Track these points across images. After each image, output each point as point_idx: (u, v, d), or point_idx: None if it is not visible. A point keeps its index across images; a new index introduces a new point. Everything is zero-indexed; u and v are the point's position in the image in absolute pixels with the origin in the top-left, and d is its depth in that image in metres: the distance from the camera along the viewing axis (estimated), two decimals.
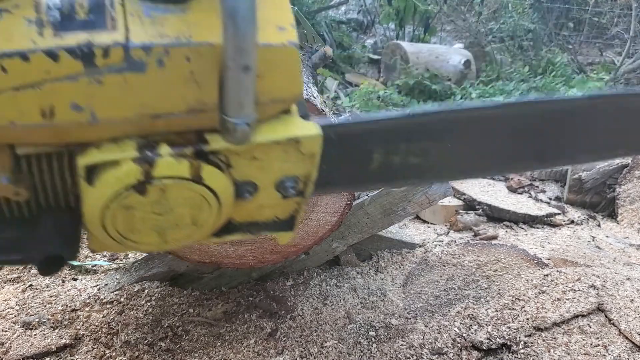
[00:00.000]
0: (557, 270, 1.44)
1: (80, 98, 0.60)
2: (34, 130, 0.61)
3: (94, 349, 1.29)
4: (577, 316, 1.26)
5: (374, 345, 1.28)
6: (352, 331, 1.33)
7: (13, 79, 0.58)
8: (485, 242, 1.85)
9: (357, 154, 0.86)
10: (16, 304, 1.47)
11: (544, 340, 1.21)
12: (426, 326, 1.32)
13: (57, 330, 1.34)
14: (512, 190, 2.61)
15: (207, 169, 0.68)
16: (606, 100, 0.96)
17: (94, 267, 1.70)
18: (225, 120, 0.63)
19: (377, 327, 1.34)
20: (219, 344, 1.31)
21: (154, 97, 0.62)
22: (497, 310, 1.31)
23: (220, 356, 1.26)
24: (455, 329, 1.28)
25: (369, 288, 1.53)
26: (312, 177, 0.77)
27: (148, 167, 0.65)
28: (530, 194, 2.59)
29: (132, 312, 1.40)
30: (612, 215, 2.36)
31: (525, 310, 1.29)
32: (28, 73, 0.58)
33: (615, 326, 1.23)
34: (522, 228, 2.20)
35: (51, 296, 1.50)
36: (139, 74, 0.60)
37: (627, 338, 1.20)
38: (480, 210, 2.26)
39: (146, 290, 1.47)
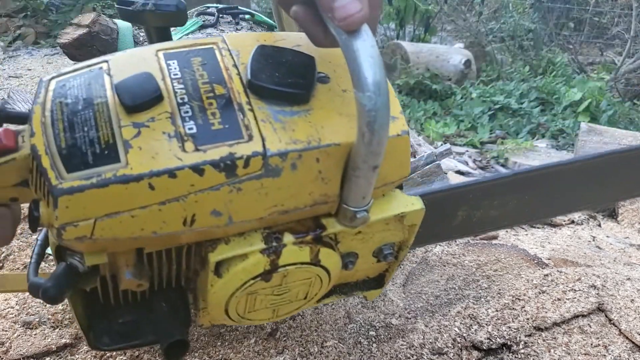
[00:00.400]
0: (558, 270, 1.44)
1: (220, 205, 0.62)
2: (172, 236, 0.64)
3: None
4: (578, 316, 1.26)
5: (374, 345, 1.28)
6: (353, 331, 1.33)
7: (160, 195, 0.59)
8: (485, 241, 1.85)
9: (443, 214, 0.94)
10: (16, 304, 1.47)
11: (544, 340, 1.21)
12: (426, 326, 1.32)
13: (57, 330, 1.34)
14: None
15: (324, 250, 0.72)
16: None
17: None
18: (345, 209, 0.68)
19: (377, 327, 1.34)
20: (219, 343, 1.31)
21: (286, 197, 0.65)
22: (497, 310, 1.31)
23: (220, 356, 1.26)
24: (456, 328, 1.28)
25: None
26: (408, 243, 0.82)
27: (274, 257, 0.69)
28: None
29: None
30: (613, 215, 2.36)
31: (525, 310, 1.29)
32: (174, 188, 0.60)
33: (616, 326, 1.23)
34: (523, 228, 2.20)
35: None
36: (275, 178, 0.63)
37: (627, 338, 1.20)
38: None
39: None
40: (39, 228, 0.63)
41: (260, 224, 0.68)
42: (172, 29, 1.50)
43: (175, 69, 0.68)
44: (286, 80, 0.65)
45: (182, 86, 0.65)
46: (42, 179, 0.59)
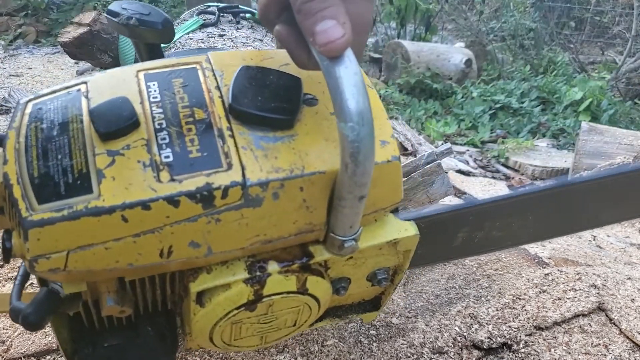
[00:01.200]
0: (558, 270, 1.44)
1: (198, 236, 0.60)
2: (149, 267, 0.62)
3: None
4: (578, 315, 1.26)
5: (375, 344, 1.28)
6: (353, 330, 1.33)
7: (133, 227, 0.57)
8: None
9: (442, 236, 0.90)
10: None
11: (544, 340, 1.21)
12: (427, 325, 1.32)
13: None
14: (513, 189, 2.61)
15: (312, 279, 0.69)
16: None
17: None
18: (333, 238, 0.65)
19: (377, 326, 1.34)
20: None
21: (268, 226, 0.62)
22: (497, 310, 1.31)
23: (221, 355, 1.26)
24: (456, 328, 1.28)
25: None
26: (404, 268, 0.79)
27: (259, 287, 0.66)
28: None
29: None
30: None
31: (525, 310, 1.29)
32: (148, 220, 0.57)
33: (616, 326, 1.23)
34: None
35: None
36: (255, 208, 0.60)
37: (627, 337, 1.20)
38: None
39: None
40: (12, 259, 0.61)
41: (243, 253, 0.66)
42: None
43: (155, 91, 0.65)
44: (269, 105, 0.62)
45: (160, 110, 0.62)
46: (14, 209, 0.56)
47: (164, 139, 0.60)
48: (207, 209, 0.58)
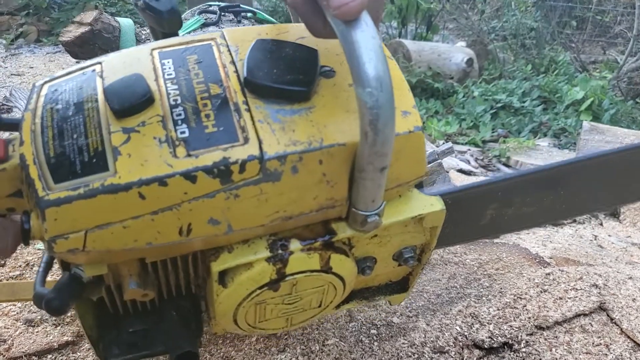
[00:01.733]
0: (559, 269, 1.44)
1: (217, 213, 0.59)
2: (169, 247, 0.61)
3: None
4: (579, 315, 1.26)
5: (376, 343, 1.28)
6: (354, 329, 1.33)
7: (151, 204, 0.56)
8: (487, 240, 1.85)
9: (470, 214, 0.88)
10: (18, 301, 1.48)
11: (545, 339, 1.21)
12: (428, 324, 1.32)
13: (59, 328, 1.35)
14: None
15: (335, 257, 0.68)
16: None
17: None
18: (355, 213, 0.63)
19: (378, 326, 1.34)
20: (220, 341, 1.31)
21: (288, 202, 0.61)
22: (498, 309, 1.31)
23: (221, 354, 1.26)
24: (457, 327, 1.28)
25: None
26: (431, 246, 0.77)
27: (281, 266, 0.65)
28: None
29: None
30: (615, 214, 2.36)
31: (527, 309, 1.29)
32: (166, 197, 0.57)
33: (617, 325, 1.23)
34: None
35: None
36: (275, 183, 0.59)
37: (629, 337, 1.20)
38: None
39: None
40: (31, 241, 0.61)
41: (265, 231, 0.64)
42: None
43: (169, 68, 0.64)
44: (285, 77, 0.61)
45: (175, 87, 0.62)
46: (31, 189, 0.56)
47: (180, 114, 0.59)
48: (225, 184, 0.57)
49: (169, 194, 0.56)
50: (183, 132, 0.58)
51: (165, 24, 0.78)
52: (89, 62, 0.68)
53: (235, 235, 0.62)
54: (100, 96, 0.61)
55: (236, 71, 0.64)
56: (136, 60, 0.66)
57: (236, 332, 0.81)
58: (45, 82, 0.67)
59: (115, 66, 0.65)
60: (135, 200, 0.55)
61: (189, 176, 0.56)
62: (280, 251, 0.65)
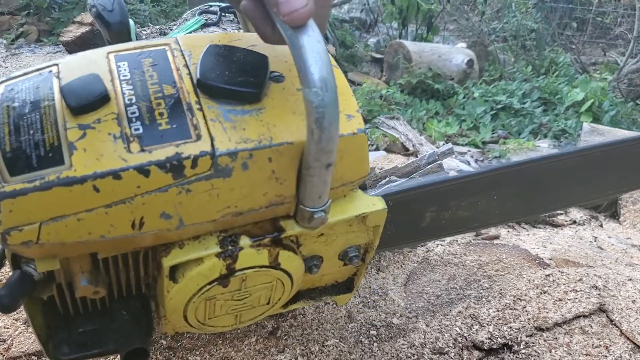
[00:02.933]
0: (559, 271, 1.44)
1: (169, 207, 0.61)
2: (122, 240, 0.62)
3: None
4: (579, 316, 1.26)
5: (375, 344, 1.28)
6: (354, 330, 1.33)
7: (105, 197, 0.58)
8: (487, 241, 1.85)
9: (410, 216, 0.92)
10: None
11: (545, 341, 1.21)
12: (427, 325, 1.32)
13: None
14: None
15: (284, 254, 0.71)
16: None
17: None
18: (302, 209, 0.66)
19: (378, 326, 1.34)
20: (220, 341, 1.31)
21: (238, 198, 0.64)
22: (498, 310, 1.31)
23: (221, 354, 1.26)
24: (457, 328, 1.28)
25: (370, 287, 1.53)
26: (374, 245, 0.81)
27: (231, 261, 0.68)
28: None
29: None
30: (615, 215, 2.36)
31: (526, 310, 1.29)
32: (120, 190, 0.58)
33: (617, 327, 1.23)
34: (524, 228, 2.20)
35: None
36: (225, 179, 0.61)
37: (628, 339, 1.20)
38: None
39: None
40: None
41: (215, 227, 0.67)
42: (174, 27, 1.50)
43: (125, 70, 0.66)
44: (237, 79, 0.64)
45: (130, 87, 0.64)
46: None
47: (134, 113, 0.61)
48: (177, 178, 0.59)
49: (122, 188, 0.58)
50: (137, 129, 0.60)
51: (113, 36, 0.80)
52: (45, 63, 0.71)
53: (186, 230, 0.64)
54: (57, 95, 0.63)
55: (189, 74, 0.67)
56: (92, 62, 0.69)
57: (185, 331, 0.81)
58: (2, 82, 0.68)
59: (72, 67, 0.68)
60: (89, 193, 0.57)
61: (143, 170, 0.58)
62: (230, 247, 0.67)
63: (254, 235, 0.69)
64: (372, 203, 0.75)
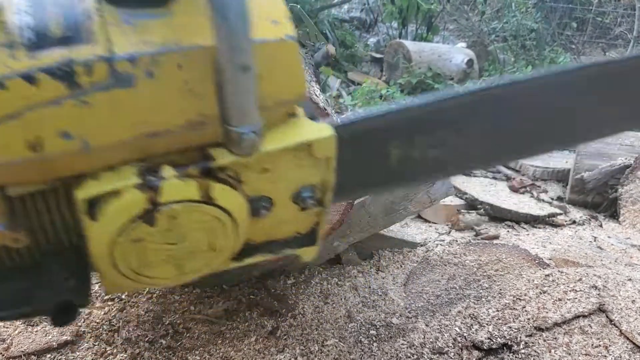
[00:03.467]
0: (559, 271, 1.44)
1: (68, 124, 0.55)
2: (23, 166, 0.56)
3: (94, 345, 1.29)
4: (578, 316, 1.26)
5: (375, 344, 1.28)
6: (353, 330, 1.33)
7: None
8: (486, 241, 1.85)
9: (373, 151, 0.80)
10: None
11: (544, 341, 1.21)
12: (427, 325, 1.32)
13: (58, 327, 1.35)
14: (514, 190, 2.61)
15: (217, 187, 0.63)
16: None
17: None
18: (229, 130, 0.58)
19: (378, 326, 1.34)
20: (219, 341, 1.31)
21: (148, 113, 0.56)
22: (498, 310, 1.31)
23: (221, 354, 1.26)
24: (456, 328, 1.28)
25: (370, 287, 1.53)
26: (329, 184, 0.72)
27: (153, 194, 0.60)
28: (532, 193, 2.59)
29: (133, 309, 1.40)
30: (614, 215, 2.36)
31: (526, 310, 1.29)
32: (6, 102, 0.52)
33: (617, 327, 1.23)
34: (524, 228, 2.20)
35: None
36: (128, 89, 0.55)
37: (628, 339, 1.20)
38: (482, 210, 2.26)
39: (147, 288, 1.48)
40: None
41: (131, 153, 0.59)
42: None
43: None
44: None
45: None
46: None
47: (28, 22, 0.55)
48: (72, 89, 0.53)
49: (9, 99, 0.52)
50: (26, 36, 0.54)
51: None
52: None
53: (97, 156, 0.58)
54: None
55: None
56: None
57: (123, 287, 0.72)
58: None
59: None
60: None
61: (29, 77, 0.52)
62: (150, 177, 0.59)
63: (179, 165, 0.60)
64: (317, 129, 0.66)
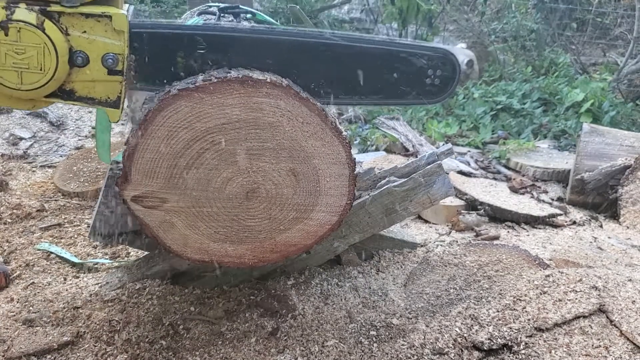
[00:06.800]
0: (559, 271, 1.44)
1: None
2: None
3: (95, 346, 1.29)
4: (579, 317, 1.26)
5: (375, 344, 1.28)
6: (353, 330, 1.33)
7: None
8: (487, 242, 1.85)
9: (165, 52, 1.17)
10: (18, 302, 1.48)
11: (545, 341, 1.21)
12: (427, 326, 1.32)
13: (58, 328, 1.35)
14: (514, 190, 2.61)
15: (49, 24, 1.03)
16: None
17: (96, 265, 1.70)
18: None
19: (378, 327, 1.34)
20: (220, 342, 1.31)
21: None
22: (498, 311, 1.31)
23: (221, 355, 1.26)
24: (457, 329, 1.28)
25: (370, 288, 1.53)
26: (125, 55, 1.08)
27: (10, 13, 1.01)
28: (532, 194, 2.59)
29: (133, 310, 1.40)
30: (614, 216, 2.36)
31: (526, 311, 1.29)
32: None
33: (617, 327, 1.23)
34: (524, 228, 2.20)
35: (53, 294, 1.51)
36: None
37: (628, 339, 1.20)
38: (482, 211, 2.26)
39: (147, 289, 1.48)
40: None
41: None
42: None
43: None
44: None
45: None
46: None
47: None
48: None
49: None
50: None
51: None
52: None
53: None
54: None
55: None
56: None
57: None
58: None
59: None
60: None
61: None
62: (11, 4, 1.00)
63: (30, 4, 1.02)
64: (115, 10, 1.06)
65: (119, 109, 1.13)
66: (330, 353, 1.26)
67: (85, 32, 1.07)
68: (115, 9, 1.07)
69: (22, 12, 1.02)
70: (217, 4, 1.66)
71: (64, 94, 1.12)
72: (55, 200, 2.14)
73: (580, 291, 1.32)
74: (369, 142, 3.21)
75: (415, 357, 1.23)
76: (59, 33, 1.05)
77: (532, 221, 2.25)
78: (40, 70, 1.06)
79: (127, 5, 1.23)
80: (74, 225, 1.94)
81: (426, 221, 2.24)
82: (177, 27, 1.24)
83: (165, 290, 1.47)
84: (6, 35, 1.02)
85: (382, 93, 1.22)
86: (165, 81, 1.19)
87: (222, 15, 1.58)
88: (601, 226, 2.29)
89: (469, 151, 3.41)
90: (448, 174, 1.90)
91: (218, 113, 1.08)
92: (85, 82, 1.11)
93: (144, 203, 1.12)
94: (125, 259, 1.74)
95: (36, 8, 1.03)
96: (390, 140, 3.13)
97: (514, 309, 1.30)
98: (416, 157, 2.24)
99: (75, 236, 1.87)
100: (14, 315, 1.41)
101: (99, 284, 1.53)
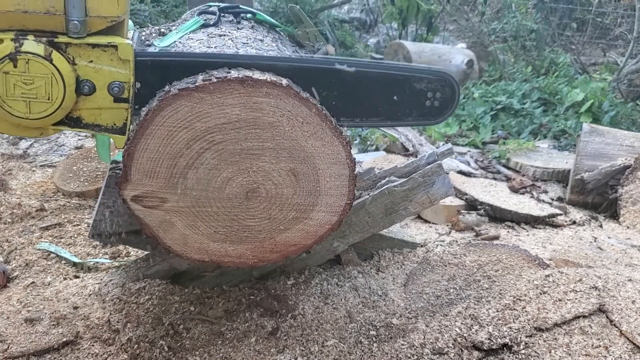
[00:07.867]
0: (559, 271, 1.44)
1: None
2: None
3: (95, 346, 1.29)
4: (579, 317, 1.26)
5: (375, 344, 1.28)
6: (353, 330, 1.33)
7: None
8: (486, 242, 1.85)
9: (165, 79, 1.14)
10: (18, 301, 1.48)
11: (545, 341, 1.21)
12: (427, 326, 1.32)
13: (58, 328, 1.35)
14: (514, 190, 2.61)
15: (56, 54, 1.04)
16: None
17: (96, 265, 1.70)
18: (67, 19, 1.02)
19: (378, 327, 1.34)
20: (219, 342, 1.31)
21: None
22: (498, 311, 1.31)
23: (221, 354, 1.26)
24: (456, 329, 1.28)
25: (370, 287, 1.53)
26: (131, 83, 1.09)
27: (19, 45, 1.02)
28: (532, 194, 2.59)
29: (133, 310, 1.40)
30: (614, 216, 2.36)
31: (526, 311, 1.29)
32: None
33: (617, 327, 1.23)
34: (524, 228, 2.20)
35: (53, 293, 1.51)
36: None
37: (628, 339, 1.20)
38: (482, 211, 2.26)
39: (147, 288, 1.48)
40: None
41: (11, 22, 1.02)
42: (173, 27, 1.50)
43: None
44: None
45: None
46: None
47: None
48: None
49: None
50: None
51: None
52: None
53: None
54: None
55: None
56: None
57: None
58: None
59: None
60: None
61: None
62: (20, 37, 1.03)
63: (38, 36, 1.04)
64: (121, 40, 1.08)
65: (125, 135, 1.13)
66: (330, 353, 1.26)
67: (91, 61, 1.08)
68: (121, 38, 1.08)
69: (31, 44, 1.03)
70: (217, 3, 1.65)
71: (71, 121, 1.12)
72: (55, 199, 2.14)
73: (580, 291, 1.32)
74: (368, 142, 3.21)
75: (415, 357, 1.23)
76: (66, 63, 1.05)
77: (532, 221, 2.25)
78: (48, 99, 1.06)
79: (131, 31, 1.27)
80: (74, 225, 1.94)
81: (426, 221, 2.24)
82: (177, 54, 1.23)
83: (165, 290, 1.47)
84: (15, 66, 1.03)
85: (382, 115, 1.24)
86: None
87: (222, 15, 1.57)
88: (601, 226, 2.29)
89: (468, 151, 3.41)
90: (448, 173, 1.90)
91: (218, 113, 1.07)
92: (92, 109, 1.12)
93: (144, 203, 1.12)
94: (125, 258, 1.74)
95: (44, 40, 1.04)
96: (390, 140, 3.13)
97: (514, 309, 1.30)
98: (416, 157, 2.24)
99: (75, 236, 1.87)
100: (14, 315, 1.41)
101: (99, 284, 1.53)
